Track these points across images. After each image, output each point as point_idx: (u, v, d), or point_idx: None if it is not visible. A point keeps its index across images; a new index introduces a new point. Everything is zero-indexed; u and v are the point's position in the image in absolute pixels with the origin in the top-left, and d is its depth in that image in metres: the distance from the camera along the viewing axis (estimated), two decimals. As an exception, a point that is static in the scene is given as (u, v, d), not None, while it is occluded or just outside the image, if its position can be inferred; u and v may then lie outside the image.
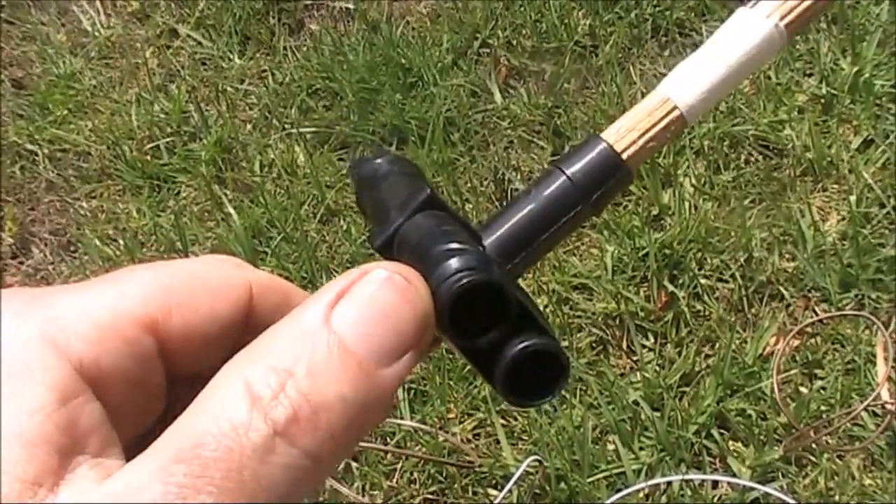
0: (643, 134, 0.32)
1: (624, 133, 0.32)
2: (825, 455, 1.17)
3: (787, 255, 1.34)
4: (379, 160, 0.34)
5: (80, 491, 0.23)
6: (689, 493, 1.16)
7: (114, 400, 0.25)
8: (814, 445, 1.18)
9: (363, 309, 0.25)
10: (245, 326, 0.28)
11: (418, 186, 0.31)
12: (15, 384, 0.23)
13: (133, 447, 0.24)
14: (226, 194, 1.56)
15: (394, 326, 0.25)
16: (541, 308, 1.30)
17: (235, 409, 0.23)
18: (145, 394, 0.27)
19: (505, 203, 1.51)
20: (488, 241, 0.31)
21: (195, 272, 0.28)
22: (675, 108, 0.33)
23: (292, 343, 0.24)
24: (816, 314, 1.29)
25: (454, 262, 0.27)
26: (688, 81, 0.33)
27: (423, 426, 1.25)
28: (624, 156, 0.32)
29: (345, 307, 0.25)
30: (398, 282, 0.26)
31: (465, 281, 0.27)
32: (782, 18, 0.34)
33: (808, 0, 0.34)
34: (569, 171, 0.32)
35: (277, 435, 0.23)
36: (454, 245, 0.28)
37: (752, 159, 1.45)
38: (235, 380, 0.24)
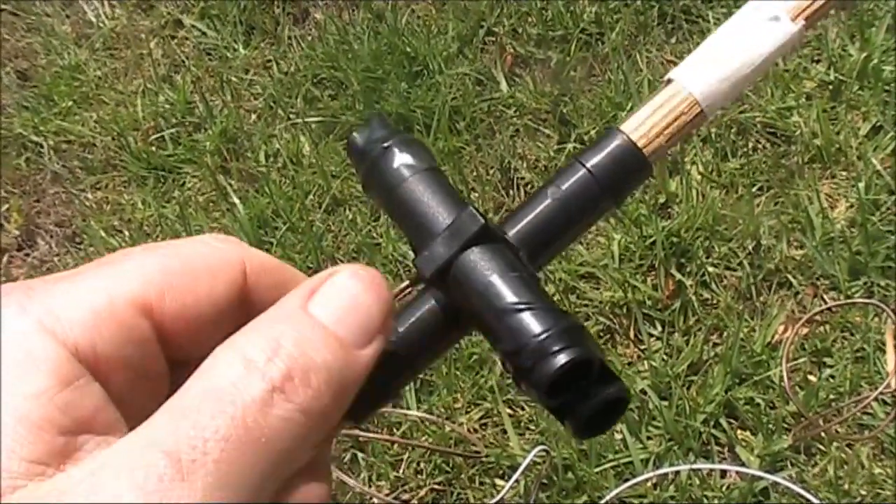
0: (663, 128, 0.33)
1: (644, 127, 0.33)
2: (834, 444, 1.16)
3: (795, 243, 1.33)
4: (387, 145, 0.33)
5: (87, 465, 0.24)
6: (697, 482, 1.16)
7: (116, 385, 0.26)
8: (823, 434, 1.17)
9: (336, 298, 0.27)
10: (241, 308, 0.29)
11: (463, 208, 0.31)
12: (16, 372, 0.24)
13: None
14: (231, 184, 1.56)
15: (364, 311, 0.27)
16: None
17: (232, 372, 0.25)
18: (147, 380, 0.27)
19: (512, 192, 1.50)
20: (510, 234, 0.32)
21: (189, 253, 0.28)
22: (694, 102, 0.33)
23: (278, 323, 0.26)
24: (825, 302, 1.28)
25: (550, 343, 0.28)
26: (706, 75, 0.33)
27: (429, 416, 1.25)
28: (643, 148, 0.32)
29: (320, 298, 0.27)
30: (363, 275, 0.28)
31: (564, 362, 0.28)
32: (798, 15, 0.33)
33: None
34: (589, 164, 0.32)
35: (275, 390, 0.24)
36: (539, 308, 0.29)
37: (760, 146, 1.44)
38: (230, 351, 0.25)
